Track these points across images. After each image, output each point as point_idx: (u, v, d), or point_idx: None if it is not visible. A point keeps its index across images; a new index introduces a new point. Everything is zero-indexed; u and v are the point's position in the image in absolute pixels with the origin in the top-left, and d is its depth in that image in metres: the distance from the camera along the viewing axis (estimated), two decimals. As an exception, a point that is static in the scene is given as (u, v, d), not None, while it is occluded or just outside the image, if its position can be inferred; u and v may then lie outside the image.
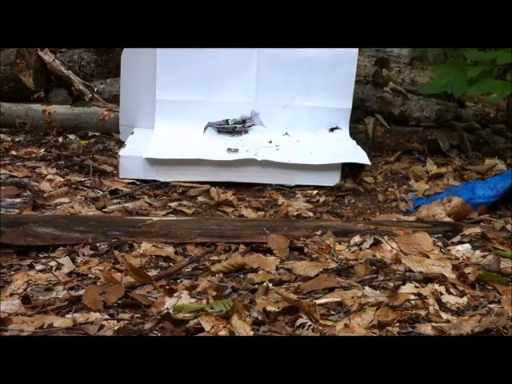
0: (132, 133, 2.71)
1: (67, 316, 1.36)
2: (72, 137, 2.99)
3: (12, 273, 1.62)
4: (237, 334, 1.25)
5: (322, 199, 2.45)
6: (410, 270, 1.63)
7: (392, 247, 1.79)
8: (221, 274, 1.60)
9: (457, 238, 1.92)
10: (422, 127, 2.99)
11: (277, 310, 1.38)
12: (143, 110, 2.73)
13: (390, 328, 1.31)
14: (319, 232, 1.90)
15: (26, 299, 1.46)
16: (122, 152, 2.52)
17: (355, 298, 1.47)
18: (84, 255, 1.74)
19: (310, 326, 1.31)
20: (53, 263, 1.68)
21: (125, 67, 2.78)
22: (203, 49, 2.56)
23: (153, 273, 1.65)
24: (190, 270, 1.70)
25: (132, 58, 2.72)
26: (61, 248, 1.77)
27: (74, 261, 1.71)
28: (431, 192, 2.48)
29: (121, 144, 2.77)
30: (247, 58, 2.68)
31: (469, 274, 1.61)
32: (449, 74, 2.68)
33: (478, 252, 1.80)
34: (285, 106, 2.75)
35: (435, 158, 2.89)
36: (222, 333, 1.25)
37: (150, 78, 2.65)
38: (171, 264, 1.74)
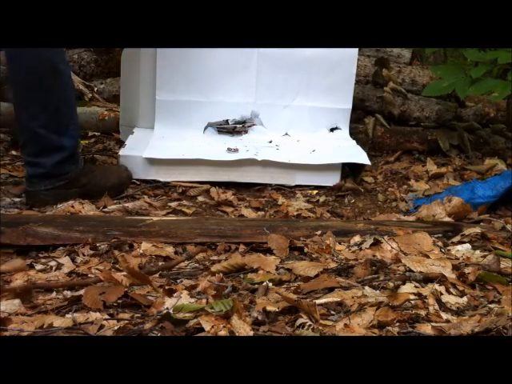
0: (132, 133, 2.71)
1: (67, 316, 1.36)
2: (72, 137, 2.99)
3: (12, 273, 1.62)
4: (237, 334, 1.25)
5: (321, 199, 2.45)
6: (410, 270, 1.63)
7: (392, 247, 1.79)
8: (221, 274, 1.60)
9: (457, 238, 1.92)
10: (422, 127, 2.99)
11: (277, 310, 1.38)
12: (143, 110, 2.73)
13: (389, 328, 1.31)
14: (319, 232, 1.90)
15: (25, 299, 1.46)
16: (121, 152, 2.52)
17: (355, 298, 1.47)
18: (84, 255, 1.74)
19: (309, 325, 1.31)
20: (53, 263, 1.68)
21: (125, 67, 2.78)
22: (203, 49, 2.56)
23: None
24: (190, 269, 1.70)
25: (132, 58, 2.72)
26: (61, 248, 1.77)
27: (73, 261, 1.71)
28: (431, 192, 2.48)
29: (121, 144, 2.76)
30: (247, 58, 2.68)
31: (469, 273, 1.61)
32: (450, 75, 2.68)
33: (477, 252, 1.80)
34: (285, 106, 2.75)
35: (435, 158, 2.89)
36: (222, 333, 1.25)
37: (150, 77, 2.65)
38: (171, 264, 1.74)
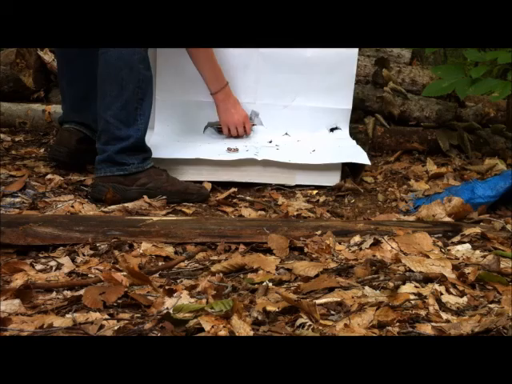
0: (132, 133, 2.70)
1: (67, 316, 1.36)
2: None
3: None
4: (237, 334, 1.25)
5: (321, 199, 2.45)
6: (410, 270, 1.63)
7: (392, 247, 1.79)
8: (221, 274, 1.60)
9: (457, 238, 1.92)
10: (422, 127, 2.99)
11: (277, 310, 1.38)
12: (143, 110, 2.73)
13: (389, 328, 1.31)
14: (319, 232, 1.90)
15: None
16: (122, 152, 2.51)
17: (355, 298, 1.47)
18: (84, 255, 1.74)
19: (309, 325, 1.31)
20: (53, 263, 1.68)
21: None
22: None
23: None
24: (189, 269, 1.70)
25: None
26: (61, 248, 1.77)
27: (73, 261, 1.71)
28: (431, 192, 2.48)
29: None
30: (247, 58, 2.67)
31: (469, 274, 1.61)
32: (450, 76, 2.68)
33: (477, 252, 1.80)
34: (285, 107, 2.75)
35: (435, 158, 2.89)
36: (222, 333, 1.25)
37: (150, 77, 2.65)
38: (171, 264, 1.74)
